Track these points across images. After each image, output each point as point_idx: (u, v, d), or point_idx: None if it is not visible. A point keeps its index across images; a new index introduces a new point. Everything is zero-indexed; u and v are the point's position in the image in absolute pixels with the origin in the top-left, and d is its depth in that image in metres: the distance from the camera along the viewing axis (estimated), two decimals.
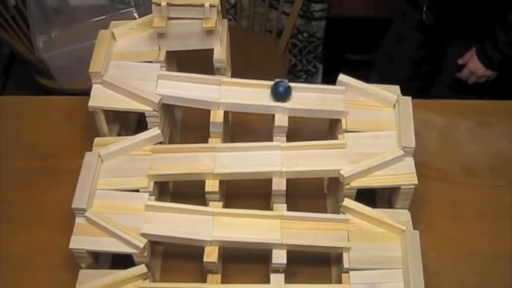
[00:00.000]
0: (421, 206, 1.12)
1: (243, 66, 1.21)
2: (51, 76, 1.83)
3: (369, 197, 1.04)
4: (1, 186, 1.19)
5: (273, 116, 1.06)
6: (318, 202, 1.14)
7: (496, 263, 1.10)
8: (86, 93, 1.08)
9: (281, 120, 1.04)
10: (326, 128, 1.14)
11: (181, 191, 1.14)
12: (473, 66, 1.60)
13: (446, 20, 1.59)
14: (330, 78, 1.09)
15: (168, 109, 1.11)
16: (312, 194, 1.15)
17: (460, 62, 1.64)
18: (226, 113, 1.08)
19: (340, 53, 2.16)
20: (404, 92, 1.08)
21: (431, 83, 1.79)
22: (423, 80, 1.78)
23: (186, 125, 1.25)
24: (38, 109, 1.31)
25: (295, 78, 2.23)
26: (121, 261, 0.99)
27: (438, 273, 1.07)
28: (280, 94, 1.04)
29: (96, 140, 1.07)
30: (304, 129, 1.14)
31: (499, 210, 1.16)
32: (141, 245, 0.95)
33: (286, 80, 1.04)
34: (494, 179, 1.20)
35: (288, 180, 1.02)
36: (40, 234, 1.13)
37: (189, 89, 1.06)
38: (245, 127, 1.20)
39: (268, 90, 1.05)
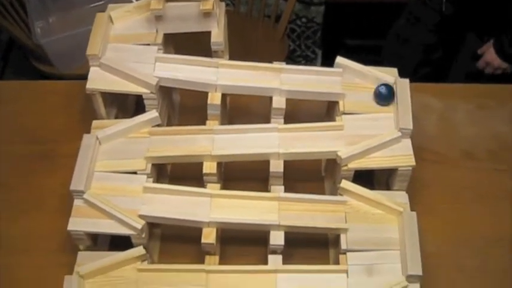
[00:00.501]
0: (419, 189, 1.12)
1: (242, 52, 1.21)
2: (49, 62, 1.83)
3: (367, 179, 1.04)
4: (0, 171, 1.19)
5: (271, 98, 1.06)
6: (315, 185, 1.14)
7: (495, 246, 1.10)
8: (84, 78, 1.08)
9: (278, 102, 1.04)
10: (323, 111, 1.14)
11: (179, 173, 1.14)
12: (490, 57, 1.60)
13: (465, 12, 1.60)
14: (329, 64, 1.09)
15: (165, 92, 1.11)
16: (309, 176, 1.15)
17: (479, 51, 1.64)
18: (224, 96, 1.08)
19: (339, 38, 2.15)
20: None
21: (440, 70, 1.78)
22: (432, 66, 1.77)
23: (184, 108, 1.25)
24: (35, 94, 1.31)
25: (294, 63, 2.22)
26: (119, 243, 1.00)
27: (436, 255, 1.07)
28: (385, 96, 1.04)
29: (94, 122, 1.07)
30: (301, 112, 1.13)
31: (498, 193, 1.16)
32: (139, 227, 0.95)
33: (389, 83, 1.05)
34: (493, 163, 1.20)
35: (285, 163, 1.02)
36: (38, 218, 1.13)
37: (187, 71, 1.06)
38: (243, 110, 1.20)
39: (266, 72, 1.05)
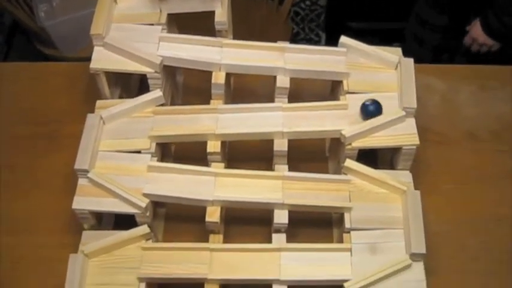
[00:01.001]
0: (422, 169, 1.12)
1: (245, 34, 1.20)
2: (53, 45, 1.83)
3: (370, 159, 1.04)
4: (3, 152, 1.19)
5: (274, 78, 1.06)
6: (319, 165, 1.14)
7: (498, 225, 1.10)
8: (88, 60, 1.07)
9: (283, 81, 1.04)
10: (327, 92, 1.14)
11: (183, 154, 1.14)
12: (475, 33, 1.59)
13: None
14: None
15: (169, 72, 1.11)
16: (313, 157, 1.15)
17: (467, 28, 1.63)
18: (228, 76, 1.08)
19: (343, 21, 2.14)
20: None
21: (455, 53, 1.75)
22: (449, 50, 1.75)
23: (188, 89, 1.25)
24: (38, 75, 1.31)
25: None
26: (124, 223, 1.00)
27: (439, 234, 1.07)
28: (371, 112, 1.01)
29: (98, 102, 1.07)
30: (305, 93, 1.13)
31: (500, 173, 1.16)
32: (143, 205, 0.95)
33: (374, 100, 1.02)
34: (495, 143, 1.20)
35: (289, 144, 1.03)
36: (42, 199, 1.13)
37: (191, 50, 1.05)
38: (247, 91, 1.20)
39: (271, 52, 1.05)
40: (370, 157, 1.04)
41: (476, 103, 1.26)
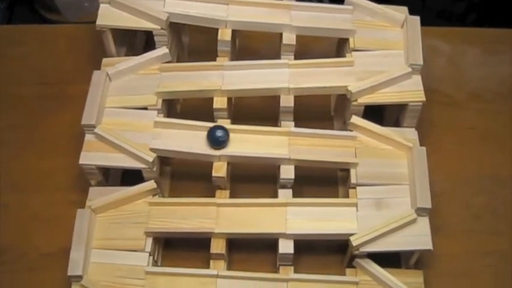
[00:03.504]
0: (428, 129, 1.12)
1: None
2: (56, 10, 1.81)
3: (376, 119, 1.04)
4: (9, 112, 1.19)
5: (281, 36, 1.06)
6: (325, 124, 1.13)
7: (503, 185, 1.11)
8: (92, 23, 1.07)
9: (289, 38, 1.04)
10: (333, 51, 1.14)
11: (188, 112, 1.14)
12: None
13: None
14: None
15: (175, 30, 1.10)
16: (319, 116, 1.15)
17: None
18: (233, 35, 1.07)
19: None
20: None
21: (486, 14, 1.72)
22: (478, 11, 1.72)
23: (193, 50, 1.25)
24: (44, 37, 1.30)
25: None
26: (130, 180, 1.00)
27: (444, 193, 1.08)
28: (217, 140, 0.98)
29: (104, 60, 1.07)
30: (311, 52, 1.13)
31: (506, 134, 1.17)
32: (150, 159, 0.95)
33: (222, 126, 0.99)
34: (500, 105, 1.20)
35: (295, 103, 1.03)
36: (49, 158, 1.14)
37: (197, 7, 1.05)
38: (252, 52, 1.20)
39: (277, 9, 1.05)
40: (376, 118, 1.04)
41: (482, 65, 1.26)
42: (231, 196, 1.03)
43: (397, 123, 1.06)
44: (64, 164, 1.11)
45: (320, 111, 1.17)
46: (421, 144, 1.01)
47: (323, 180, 1.08)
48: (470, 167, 1.13)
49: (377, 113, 1.08)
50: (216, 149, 0.97)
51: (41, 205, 1.09)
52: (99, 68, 1.07)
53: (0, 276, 1.03)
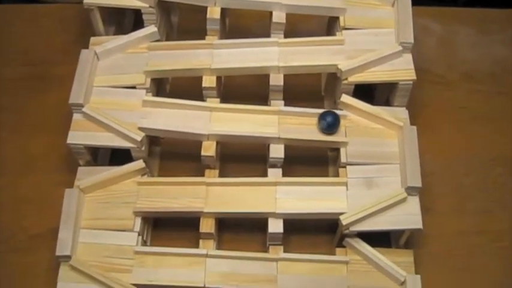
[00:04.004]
0: (419, 109, 1.12)
1: None
2: None
3: (367, 99, 1.03)
4: None
5: (271, 14, 1.05)
6: (315, 104, 1.11)
7: (492, 165, 1.11)
8: (80, 2, 1.06)
9: (279, 17, 1.03)
10: (323, 30, 1.13)
11: (178, 92, 1.13)
12: None
13: None
14: None
15: (164, 9, 1.09)
16: (309, 96, 1.14)
17: None
18: (223, 14, 1.06)
19: None
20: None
21: None
22: None
23: (183, 30, 1.23)
24: (30, 17, 1.29)
25: None
26: (119, 161, 0.99)
27: (434, 174, 1.07)
28: (329, 125, 0.97)
29: (92, 39, 1.06)
30: (301, 31, 1.12)
31: (497, 114, 1.16)
32: (139, 138, 0.95)
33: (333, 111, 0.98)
34: (492, 85, 1.20)
35: (285, 83, 1.02)
36: (37, 139, 1.13)
37: None
38: (242, 30, 1.19)
39: None
40: (366, 98, 1.03)
41: (474, 46, 1.25)
42: (221, 176, 1.02)
43: (387, 103, 1.05)
44: (52, 144, 1.10)
45: (310, 91, 1.16)
46: (413, 124, 1.00)
47: (313, 161, 1.07)
48: (461, 147, 1.12)
49: (367, 93, 1.07)
50: (327, 134, 0.97)
51: (29, 186, 1.08)
52: (87, 48, 1.05)
53: None
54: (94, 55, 1.01)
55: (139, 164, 0.96)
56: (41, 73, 1.20)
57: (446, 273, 1.00)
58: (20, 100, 1.18)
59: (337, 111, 0.98)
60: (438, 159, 1.10)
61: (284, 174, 0.98)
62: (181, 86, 1.11)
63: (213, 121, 0.97)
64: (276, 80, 1.00)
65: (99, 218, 0.94)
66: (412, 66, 1.00)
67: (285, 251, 0.95)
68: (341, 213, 0.92)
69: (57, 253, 0.90)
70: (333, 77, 1.03)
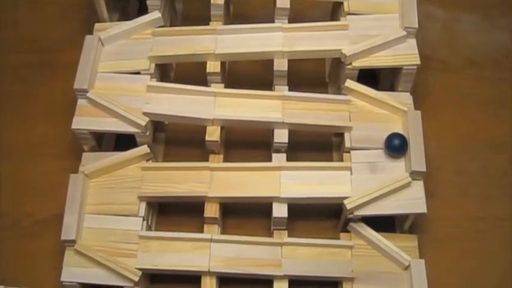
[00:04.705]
0: (423, 96, 1.12)
1: None
2: None
3: (371, 85, 1.03)
4: (3, 80, 1.18)
5: (274, 1, 1.05)
6: (319, 90, 1.11)
7: (495, 151, 1.11)
8: None
9: (283, 2, 1.03)
10: (327, 16, 1.13)
11: (182, 79, 1.13)
12: None
13: None
14: None
15: None
16: (313, 82, 1.15)
17: None
18: (227, 0, 1.07)
19: None
20: None
21: None
22: None
23: (186, 16, 1.24)
24: (34, 4, 1.29)
25: None
26: (124, 147, 1.00)
27: (438, 159, 1.07)
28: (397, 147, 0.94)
29: (97, 25, 1.06)
30: (305, 17, 1.12)
31: (500, 100, 1.16)
32: (143, 123, 0.95)
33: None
34: (496, 71, 1.20)
35: (289, 70, 1.02)
36: (42, 125, 1.13)
37: None
38: (246, 17, 1.19)
39: None
40: (370, 84, 1.03)
41: (478, 32, 1.25)
42: (225, 161, 1.02)
43: (391, 89, 1.05)
44: (57, 131, 1.11)
45: (314, 77, 1.16)
46: (416, 110, 1.00)
47: (317, 146, 1.07)
48: (465, 133, 1.12)
49: (371, 79, 1.07)
50: (394, 157, 0.95)
51: (34, 172, 1.09)
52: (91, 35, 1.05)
53: None
54: (98, 41, 1.01)
55: (143, 149, 0.97)
56: (46, 60, 1.20)
57: (449, 258, 1.01)
58: (25, 87, 1.18)
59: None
60: (442, 145, 1.10)
61: (288, 160, 0.98)
62: (185, 73, 1.11)
63: (217, 106, 0.97)
64: (280, 65, 1.00)
65: (104, 203, 0.95)
66: (416, 51, 1.00)
67: (289, 236, 0.95)
68: (345, 198, 0.92)
69: (63, 237, 0.91)
70: (337, 63, 1.03)
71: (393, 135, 0.94)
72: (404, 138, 0.94)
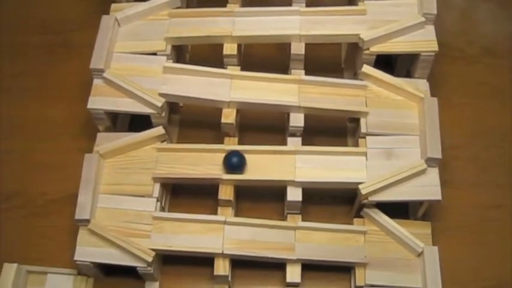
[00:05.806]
0: (439, 84, 1.11)
1: None
2: None
3: (387, 71, 1.02)
4: (17, 61, 1.19)
5: None
6: (335, 76, 1.11)
7: (509, 139, 1.10)
8: None
9: None
10: (345, 1, 1.12)
11: (197, 61, 1.12)
12: None
13: None
14: None
15: None
16: (329, 67, 1.14)
17: None
18: None
19: None
20: None
21: None
22: None
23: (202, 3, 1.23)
24: None
25: None
26: (138, 128, 0.99)
27: (452, 147, 1.07)
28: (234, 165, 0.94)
29: (113, 6, 1.06)
30: (322, 2, 1.11)
31: None
32: (159, 104, 0.95)
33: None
34: None
35: (305, 54, 1.01)
36: (57, 106, 1.14)
37: None
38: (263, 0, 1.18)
39: None
40: (386, 70, 1.02)
41: (495, 20, 1.24)
42: (239, 145, 1.02)
43: (407, 76, 1.05)
44: (72, 111, 1.11)
45: (330, 62, 1.15)
46: None
47: (332, 132, 1.07)
48: (480, 122, 1.12)
49: (388, 66, 1.06)
50: (231, 173, 0.94)
51: (49, 152, 1.09)
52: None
53: (8, 222, 1.03)
54: (115, 21, 1.01)
55: (159, 130, 0.96)
56: (62, 41, 1.21)
57: (462, 245, 1.01)
58: (41, 67, 1.18)
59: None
60: (457, 133, 1.10)
61: (303, 142, 0.98)
62: (201, 55, 1.11)
63: (233, 88, 0.97)
64: (297, 48, 1.00)
65: (118, 184, 0.95)
66: (434, 37, 0.99)
67: (302, 221, 0.95)
68: (360, 183, 0.92)
69: (76, 217, 0.91)
70: (354, 48, 1.02)
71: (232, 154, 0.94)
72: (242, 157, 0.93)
